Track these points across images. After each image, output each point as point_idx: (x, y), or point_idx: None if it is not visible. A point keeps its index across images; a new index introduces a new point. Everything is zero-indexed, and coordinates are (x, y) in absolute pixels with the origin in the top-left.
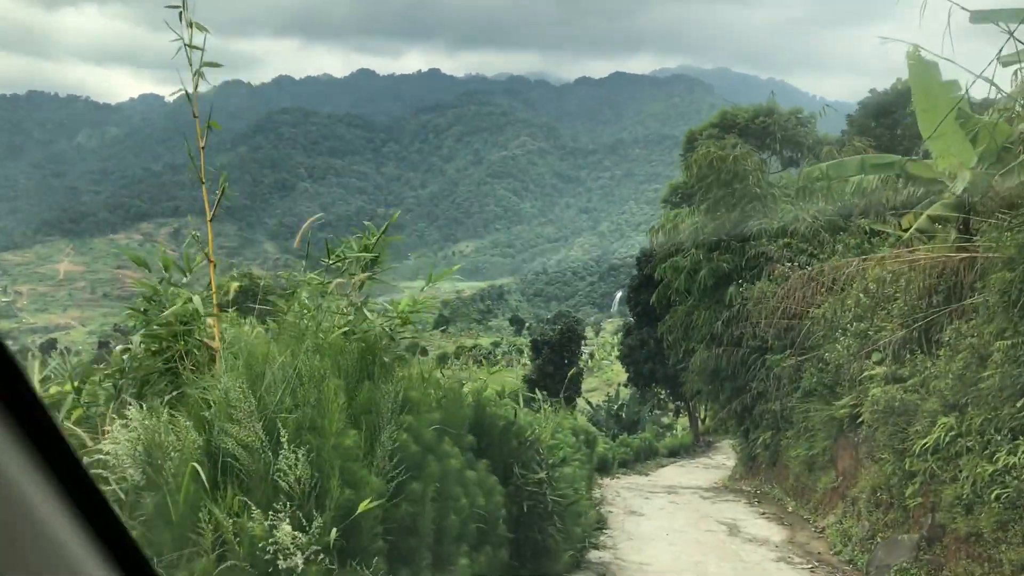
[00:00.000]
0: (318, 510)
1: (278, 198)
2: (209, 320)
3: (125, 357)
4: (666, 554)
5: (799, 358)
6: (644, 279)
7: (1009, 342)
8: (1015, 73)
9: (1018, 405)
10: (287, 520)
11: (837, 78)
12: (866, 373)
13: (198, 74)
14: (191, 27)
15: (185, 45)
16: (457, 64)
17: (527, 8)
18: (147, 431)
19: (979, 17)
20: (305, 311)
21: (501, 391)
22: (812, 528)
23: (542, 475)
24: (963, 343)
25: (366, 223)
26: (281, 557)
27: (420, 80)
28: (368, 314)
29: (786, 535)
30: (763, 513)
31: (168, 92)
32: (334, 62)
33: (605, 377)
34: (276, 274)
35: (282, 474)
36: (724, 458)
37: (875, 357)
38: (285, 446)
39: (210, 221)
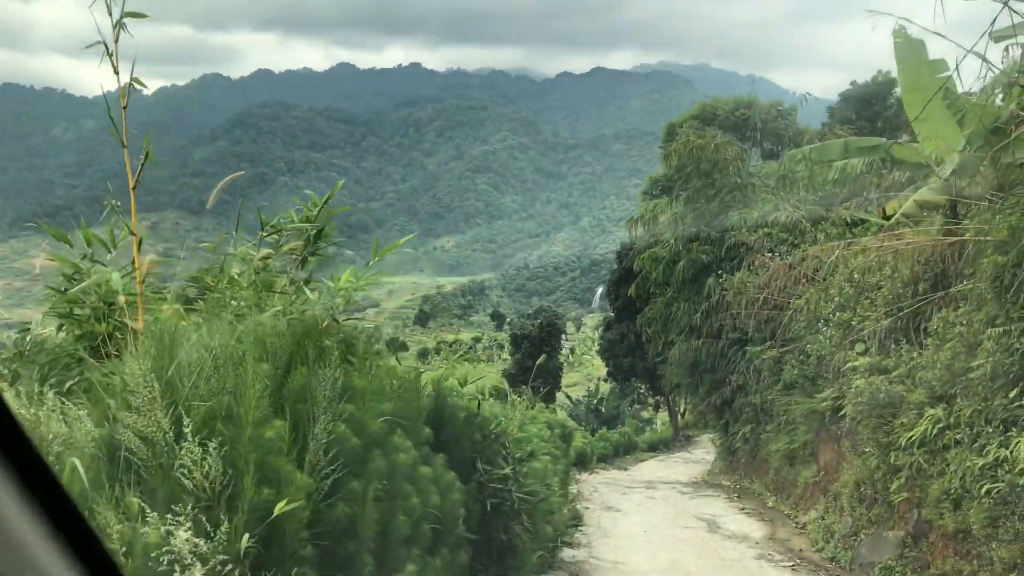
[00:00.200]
0: (230, 512)
1: (257, 192)
2: (131, 300)
3: (27, 340)
4: (643, 552)
5: (780, 350)
6: (624, 273)
7: (1001, 329)
8: (1006, 50)
9: (1011, 395)
10: (188, 525)
11: (816, 74)
12: (849, 364)
13: (119, 25)
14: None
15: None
16: (438, 58)
17: (508, 3)
18: (28, 422)
19: None
20: (235, 288)
21: (464, 380)
22: (793, 524)
23: (507, 470)
24: (951, 332)
25: (307, 191)
26: (178, 568)
27: (401, 74)
28: (309, 292)
29: (767, 531)
30: (743, 509)
31: (147, 85)
32: (314, 55)
33: (586, 372)
34: (197, 243)
35: (185, 470)
36: (704, 452)
37: (858, 348)
38: (189, 437)
39: (133, 189)
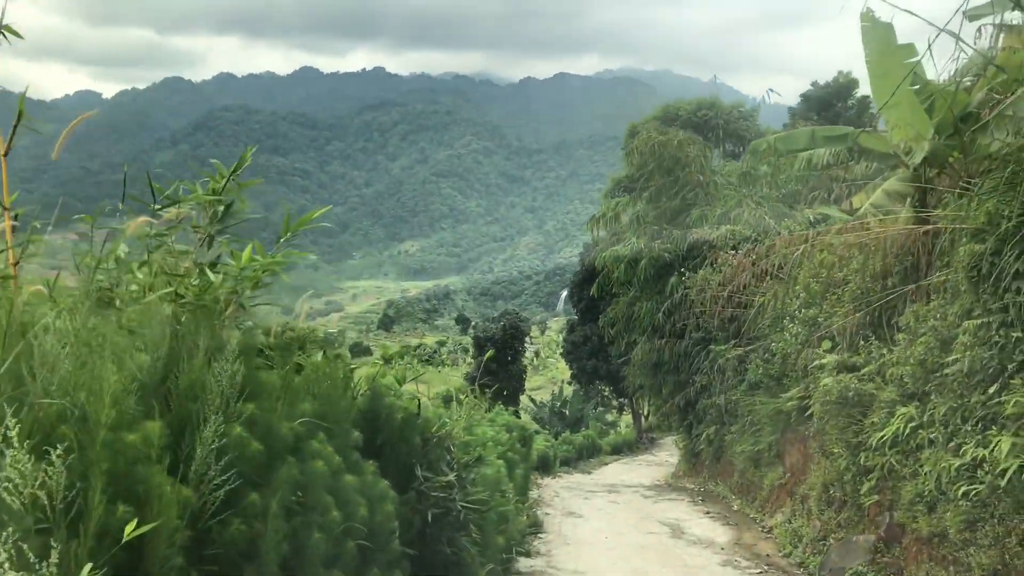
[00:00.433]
0: (72, 536)
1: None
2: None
3: None
4: (604, 559)
5: (745, 349)
6: (587, 274)
7: (978, 322)
8: (978, 31)
9: (990, 391)
10: (6, 555)
11: (778, 79)
12: (816, 362)
13: None
14: None
15: None
16: (402, 62)
17: (472, 8)
18: None
19: None
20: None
21: (401, 378)
22: (759, 528)
23: (451, 477)
24: (924, 326)
25: (212, 161)
26: None
27: (365, 78)
28: (212, 274)
29: (732, 536)
30: (707, 512)
31: (106, 88)
32: (277, 60)
33: (550, 375)
34: (76, 217)
35: (10, 485)
36: (668, 455)
37: (825, 345)
38: (15, 444)
39: (4, 156)
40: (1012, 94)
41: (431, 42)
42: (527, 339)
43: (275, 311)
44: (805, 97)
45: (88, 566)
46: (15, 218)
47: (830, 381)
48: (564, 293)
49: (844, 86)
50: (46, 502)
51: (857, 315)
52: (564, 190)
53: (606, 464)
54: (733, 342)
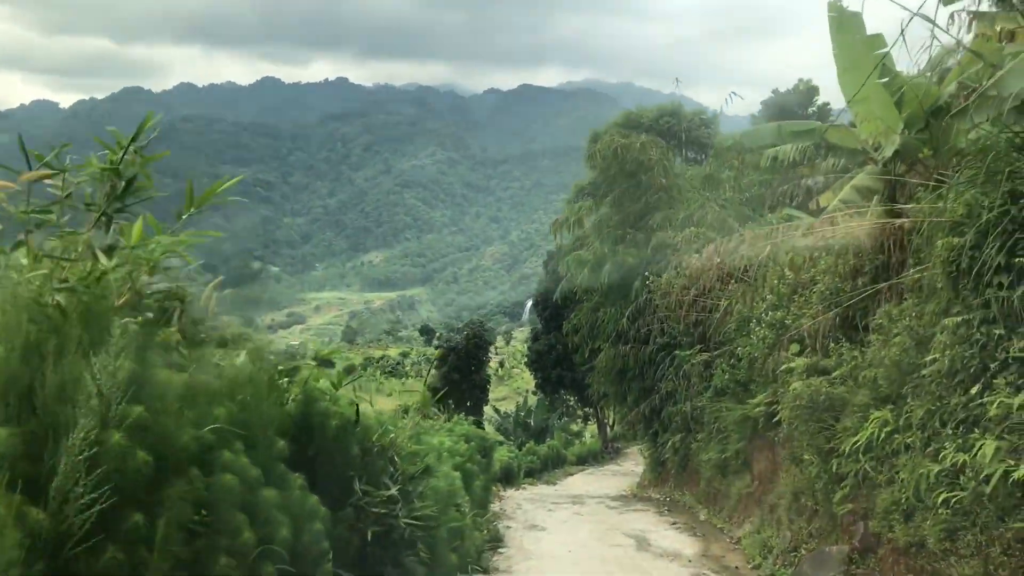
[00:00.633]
0: None
1: (180, 207)
2: None
3: None
4: (567, 574)
5: (711, 354)
6: (551, 281)
7: (958, 319)
8: (950, 17)
9: (971, 392)
10: None
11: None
12: (784, 366)
13: None
14: None
15: None
16: (365, 73)
17: (435, 19)
18: None
19: None
20: None
21: (336, 382)
22: (727, 539)
23: (394, 491)
24: (898, 326)
25: (109, 128)
26: None
27: (327, 88)
28: (103, 258)
29: (699, 547)
30: (674, 523)
31: (63, 98)
32: (238, 69)
33: (515, 385)
34: None
35: None
36: (633, 464)
37: (794, 348)
38: None
39: None
40: (990, 79)
41: (394, 53)
42: (492, 349)
43: (235, 321)
44: (766, 104)
45: None
46: None
47: (800, 385)
48: (529, 303)
49: (805, 93)
50: None
51: (827, 316)
52: (529, 200)
53: (571, 475)
54: (699, 347)
